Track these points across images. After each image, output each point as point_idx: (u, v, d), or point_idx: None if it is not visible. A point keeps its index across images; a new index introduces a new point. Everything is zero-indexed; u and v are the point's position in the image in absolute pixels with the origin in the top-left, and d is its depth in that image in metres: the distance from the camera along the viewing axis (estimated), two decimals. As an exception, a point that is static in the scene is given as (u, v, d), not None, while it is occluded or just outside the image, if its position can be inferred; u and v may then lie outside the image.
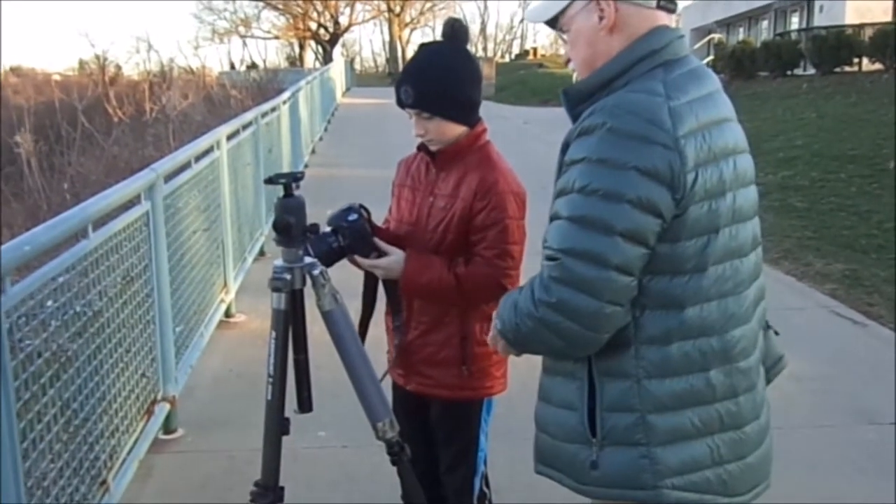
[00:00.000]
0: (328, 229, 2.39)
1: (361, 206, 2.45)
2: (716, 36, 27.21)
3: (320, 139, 17.33)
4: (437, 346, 2.48)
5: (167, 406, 4.17)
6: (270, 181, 2.19)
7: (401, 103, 2.43)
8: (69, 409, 2.97)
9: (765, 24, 33.82)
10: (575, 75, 1.88)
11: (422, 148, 2.53)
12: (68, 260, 3.00)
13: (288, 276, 2.21)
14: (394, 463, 2.37)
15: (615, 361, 1.70)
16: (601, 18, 1.75)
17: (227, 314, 6.00)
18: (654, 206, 1.59)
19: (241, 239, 6.83)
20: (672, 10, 1.79)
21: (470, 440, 2.56)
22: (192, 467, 3.95)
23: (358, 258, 2.42)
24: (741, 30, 36.00)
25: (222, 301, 5.90)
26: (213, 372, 5.06)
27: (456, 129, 2.43)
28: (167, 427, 4.20)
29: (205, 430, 4.29)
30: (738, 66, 23.92)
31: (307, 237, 2.25)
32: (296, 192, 2.22)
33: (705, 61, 26.17)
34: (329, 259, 2.36)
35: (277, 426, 2.26)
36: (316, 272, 2.23)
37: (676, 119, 1.61)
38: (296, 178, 2.21)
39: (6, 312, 2.44)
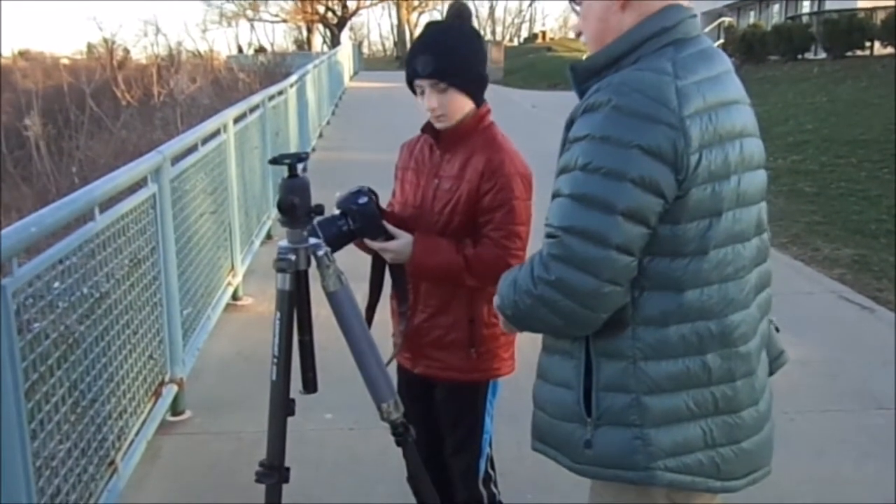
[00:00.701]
0: (337, 212, 2.37)
1: (370, 190, 2.44)
2: (726, 19, 27.03)
3: (328, 123, 17.31)
4: (445, 329, 2.48)
5: (175, 388, 4.19)
6: (275, 161, 2.19)
7: (416, 75, 2.40)
8: (77, 391, 2.99)
9: (776, 7, 33.62)
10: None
11: (426, 130, 2.52)
12: (75, 242, 3.00)
13: (292, 257, 2.21)
14: (398, 444, 2.38)
15: (612, 342, 1.69)
16: None
17: (235, 297, 6.02)
18: (657, 186, 1.58)
19: (248, 222, 6.84)
20: None
21: (476, 422, 2.57)
22: (199, 449, 3.97)
23: (368, 241, 2.41)
24: (752, 13, 35.79)
25: (229, 284, 5.91)
26: (221, 354, 5.07)
27: (466, 105, 2.42)
28: (175, 409, 4.22)
29: (212, 412, 4.31)
30: (748, 49, 23.79)
31: (309, 219, 2.24)
32: (301, 173, 2.22)
33: (715, 45, 26.01)
34: (338, 242, 2.34)
35: (282, 407, 2.26)
36: (321, 253, 2.22)
37: (683, 99, 1.59)
38: (300, 158, 2.20)
39: (14, 293, 2.45)
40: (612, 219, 1.57)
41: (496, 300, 1.80)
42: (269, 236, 7.69)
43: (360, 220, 2.35)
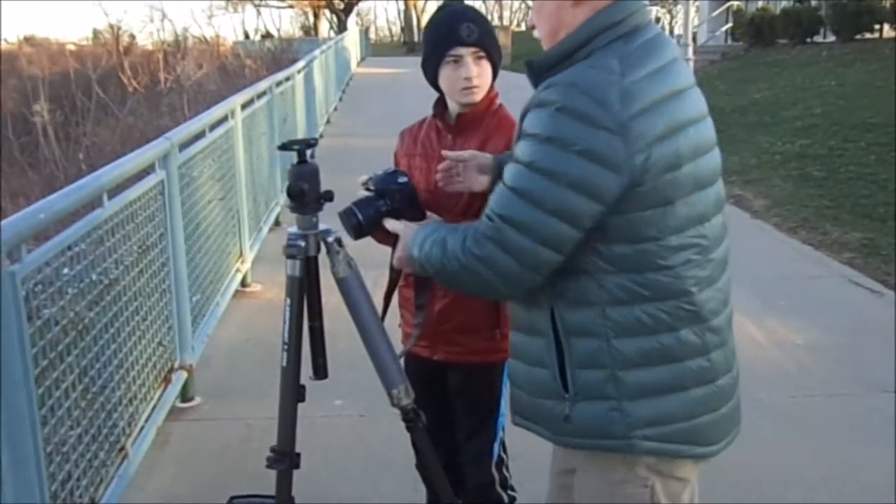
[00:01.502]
0: (369, 194, 2.29)
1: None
2: (734, 3, 26.84)
3: (335, 109, 17.28)
4: (469, 312, 2.45)
5: (184, 374, 4.20)
6: (284, 147, 2.18)
7: (458, 42, 2.36)
8: (87, 377, 3.00)
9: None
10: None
11: (438, 114, 2.51)
12: (83, 228, 3.01)
13: (302, 243, 2.20)
14: (409, 430, 2.37)
15: (581, 321, 1.76)
16: None
17: (243, 284, 6.03)
18: (593, 189, 1.64)
19: (256, 208, 6.85)
20: None
21: (492, 406, 2.56)
22: (209, 435, 3.99)
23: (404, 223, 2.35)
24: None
25: (238, 270, 5.92)
26: (230, 341, 5.09)
27: (490, 81, 2.42)
28: (184, 395, 4.24)
29: (221, 399, 4.33)
30: (756, 33, 23.62)
31: (319, 205, 2.21)
32: (310, 159, 2.21)
33: (724, 29, 25.82)
34: (375, 224, 2.27)
35: (293, 393, 2.26)
36: (330, 239, 2.22)
37: (627, 99, 1.63)
38: (309, 144, 2.19)
39: (23, 280, 2.45)
40: (541, 215, 1.67)
41: (414, 252, 1.89)
42: (277, 223, 7.69)
43: (401, 200, 2.27)
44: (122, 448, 3.32)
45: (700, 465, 1.90)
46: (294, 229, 2.23)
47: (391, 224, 2.16)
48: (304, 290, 2.24)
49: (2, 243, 2.34)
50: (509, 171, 1.73)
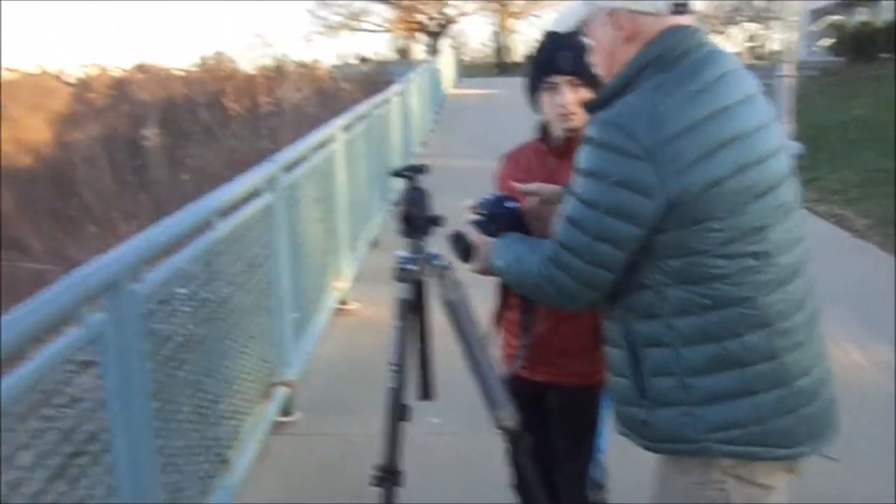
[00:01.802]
0: (478, 218, 2.27)
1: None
2: (833, 18, 26.17)
3: (431, 130, 17.42)
4: (570, 336, 2.47)
5: (285, 389, 4.31)
6: (397, 174, 2.26)
7: (554, 70, 2.41)
8: (197, 391, 3.11)
9: (885, 3, 32.25)
10: None
11: (544, 138, 2.55)
12: (197, 249, 3.14)
13: (413, 267, 2.27)
14: (513, 452, 2.39)
15: (650, 332, 1.84)
16: (619, 30, 1.86)
17: (342, 302, 6.14)
18: (630, 214, 1.76)
19: (354, 229, 6.98)
20: (683, 12, 1.86)
21: (590, 427, 2.57)
22: (308, 449, 4.07)
23: None
24: (862, 10, 34.48)
25: (337, 289, 6.04)
26: (329, 358, 5.19)
27: None
28: (285, 410, 4.33)
29: (321, 414, 4.42)
30: (858, 48, 22.99)
31: (427, 230, 2.27)
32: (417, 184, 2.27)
33: (821, 43, 25.15)
34: None
35: (399, 412, 2.32)
36: (439, 263, 2.27)
37: (656, 125, 1.72)
38: (420, 170, 2.26)
39: (143, 298, 2.57)
40: (588, 240, 1.82)
41: (499, 263, 2.05)
42: (374, 243, 7.82)
43: (510, 224, 2.26)
44: (226, 460, 3.42)
45: (789, 476, 1.91)
46: (404, 253, 2.30)
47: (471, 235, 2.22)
48: (413, 312, 2.30)
49: (125, 264, 2.47)
50: (566, 202, 1.88)
